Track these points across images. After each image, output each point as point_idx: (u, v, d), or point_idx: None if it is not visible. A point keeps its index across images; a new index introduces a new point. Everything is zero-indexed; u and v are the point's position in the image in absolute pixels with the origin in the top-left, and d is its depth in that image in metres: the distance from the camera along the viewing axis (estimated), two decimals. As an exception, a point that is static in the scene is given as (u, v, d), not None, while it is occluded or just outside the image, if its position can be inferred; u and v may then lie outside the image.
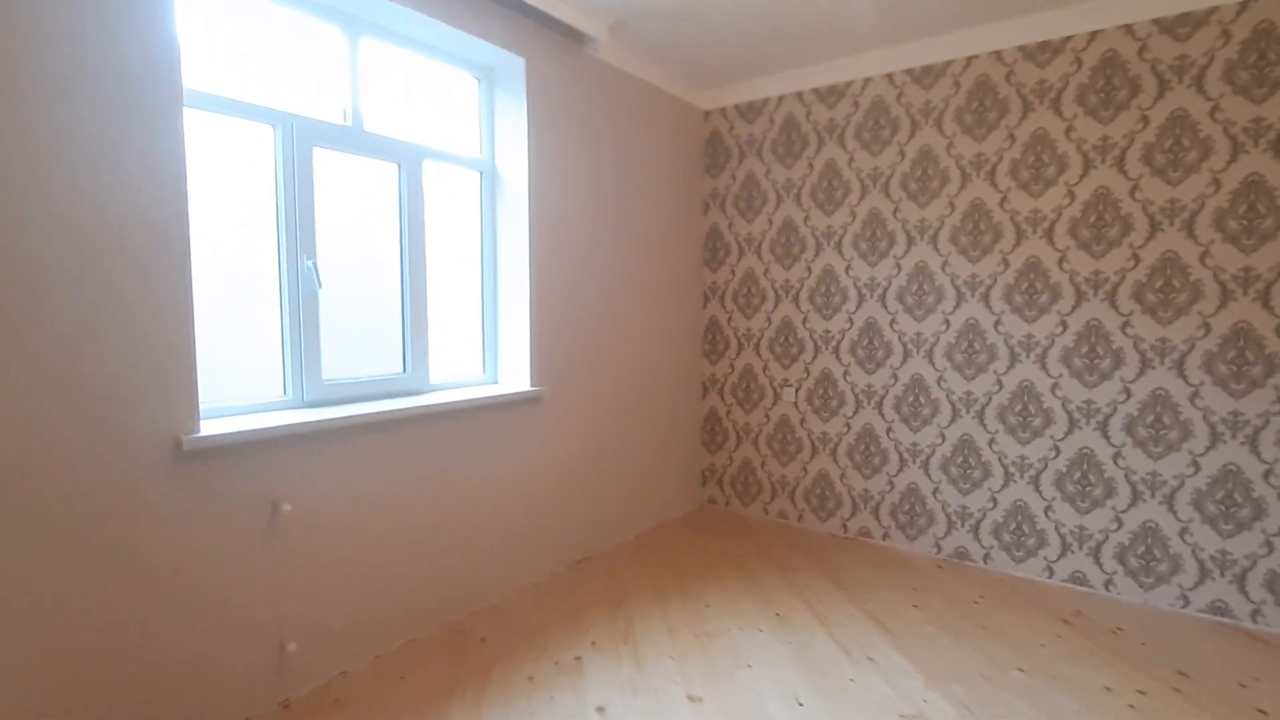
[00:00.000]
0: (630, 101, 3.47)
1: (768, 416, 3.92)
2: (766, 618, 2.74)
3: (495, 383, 3.06)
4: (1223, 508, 2.64)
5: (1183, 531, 2.72)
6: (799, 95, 3.64)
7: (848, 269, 3.55)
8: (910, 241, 3.33)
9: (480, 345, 3.03)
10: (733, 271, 4.00)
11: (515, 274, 2.96)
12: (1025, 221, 3.00)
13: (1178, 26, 2.60)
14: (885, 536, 3.53)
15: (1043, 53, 2.91)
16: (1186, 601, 2.74)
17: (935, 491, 3.35)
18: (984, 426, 3.18)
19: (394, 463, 2.40)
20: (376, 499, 2.35)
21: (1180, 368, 2.69)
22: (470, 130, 2.95)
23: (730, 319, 4.04)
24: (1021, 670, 2.34)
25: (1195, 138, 2.61)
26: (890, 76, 3.33)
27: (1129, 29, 2.71)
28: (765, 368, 3.91)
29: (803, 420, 3.78)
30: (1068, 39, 2.85)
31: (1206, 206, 2.60)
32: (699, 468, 4.23)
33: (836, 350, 3.62)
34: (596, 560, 3.33)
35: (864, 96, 3.42)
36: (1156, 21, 2.64)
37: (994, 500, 3.18)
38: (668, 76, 3.66)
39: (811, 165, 3.63)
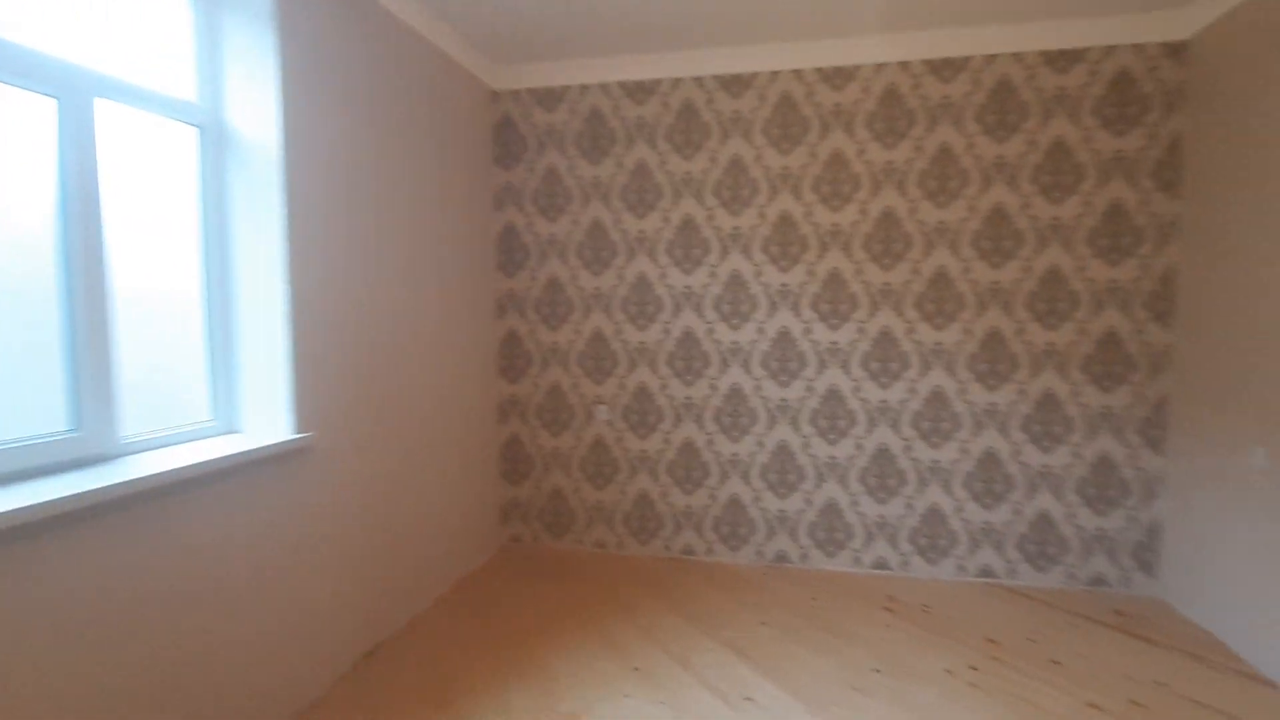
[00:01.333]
0: (416, 66, 2.79)
1: (579, 438, 3.56)
2: (626, 676, 2.37)
3: (235, 431, 2.13)
4: (984, 485, 3.11)
5: (958, 510, 3.14)
6: (604, 87, 3.37)
7: (663, 277, 3.38)
8: (725, 250, 3.30)
9: (206, 378, 2.08)
10: (534, 278, 3.55)
11: (262, 276, 2.09)
12: (827, 235, 3.18)
13: (944, 69, 3.00)
14: (709, 551, 3.45)
15: (838, 77, 3.11)
16: (964, 570, 3.17)
17: (756, 500, 3.37)
18: (798, 432, 3.29)
19: (51, 591, 1.44)
20: (28, 655, 1.37)
21: (951, 368, 3.10)
22: (183, 66, 2.00)
23: (533, 332, 3.57)
24: (878, 671, 2.39)
25: (957, 169, 3.02)
26: (700, 80, 3.26)
27: (905, 66, 3.03)
28: (575, 385, 3.54)
29: (619, 439, 3.51)
30: (858, 67, 3.09)
31: (965, 229, 3.04)
32: (499, 503, 3.67)
33: (653, 363, 3.43)
34: (394, 646, 2.58)
35: (674, 97, 3.30)
36: (944, 62, 3.01)
37: (809, 502, 3.31)
38: (457, 43, 3.06)
39: (621, 164, 3.38)
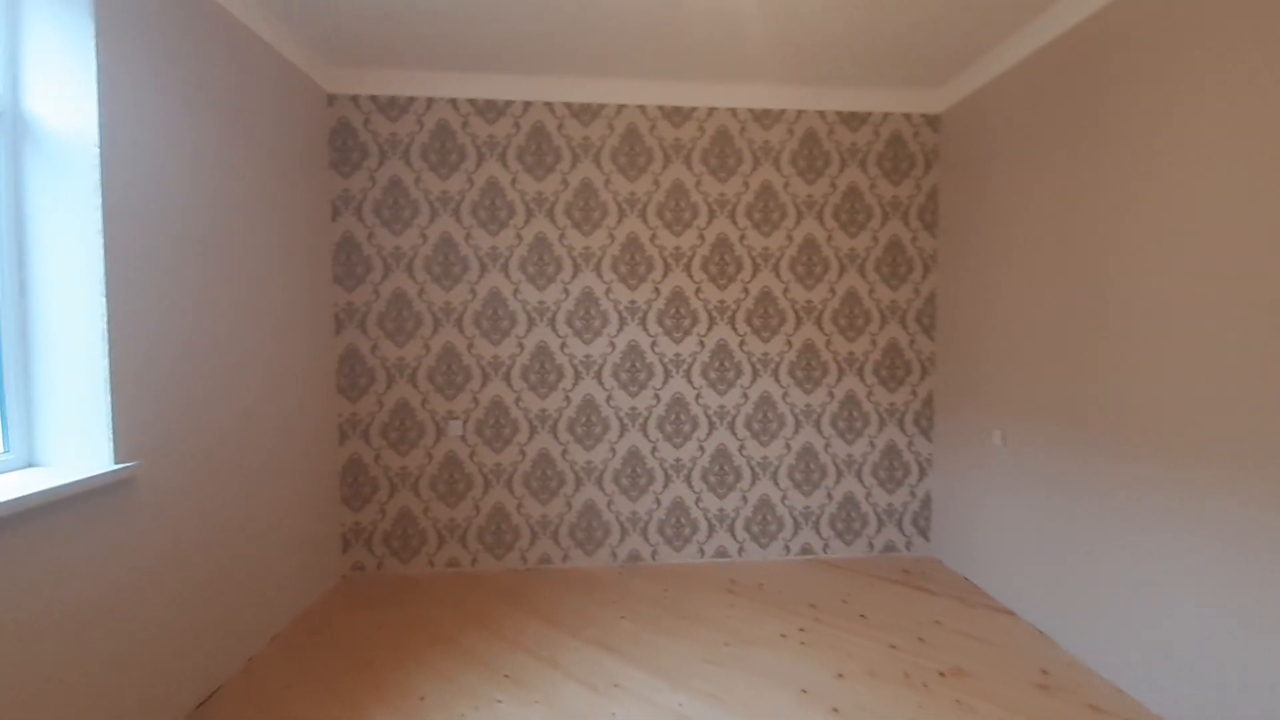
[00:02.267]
0: (250, 62, 2.59)
1: (430, 456, 3.48)
2: (497, 684, 2.41)
3: (37, 465, 1.83)
4: (804, 475, 3.61)
5: (783, 498, 3.61)
6: (453, 102, 3.37)
7: (516, 292, 3.45)
8: (576, 268, 3.46)
9: None
10: (376, 291, 3.41)
11: (74, 285, 1.84)
12: (670, 256, 3.49)
13: (764, 118, 3.47)
14: (566, 558, 3.56)
15: (677, 115, 3.45)
16: (789, 550, 3.64)
17: (610, 504, 3.55)
18: (647, 437, 3.54)
19: None
20: None
21: (776, 375, 3.56)
22: (-34, 33, 1.70)
23: (375, 347, 3.42)
24: (727, 644, 2.69)
25: (777, 203, 3.51)
26: (551, 105, 3.40)
27: (734, 112, 3.46)
28: (425, 401, 3.46)
29: (473, 454, 3.49)
30: (694, 108, 3.45)
31: (785, 255, 3.53)
32: (339, 530, 3.44)
33: (508, 376, 3.47)
34: (232, 690, 2.34)
35: (525, 119, 3.40)
36: (764, 112, 3.46)
37: (658, 501, 3.57)
38: (291, 41, 2.88)
39: (471, 180, 3.40)
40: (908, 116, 3.55)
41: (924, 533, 3.70)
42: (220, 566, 2.39)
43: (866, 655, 2.59)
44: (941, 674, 2.46)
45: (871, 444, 3.63)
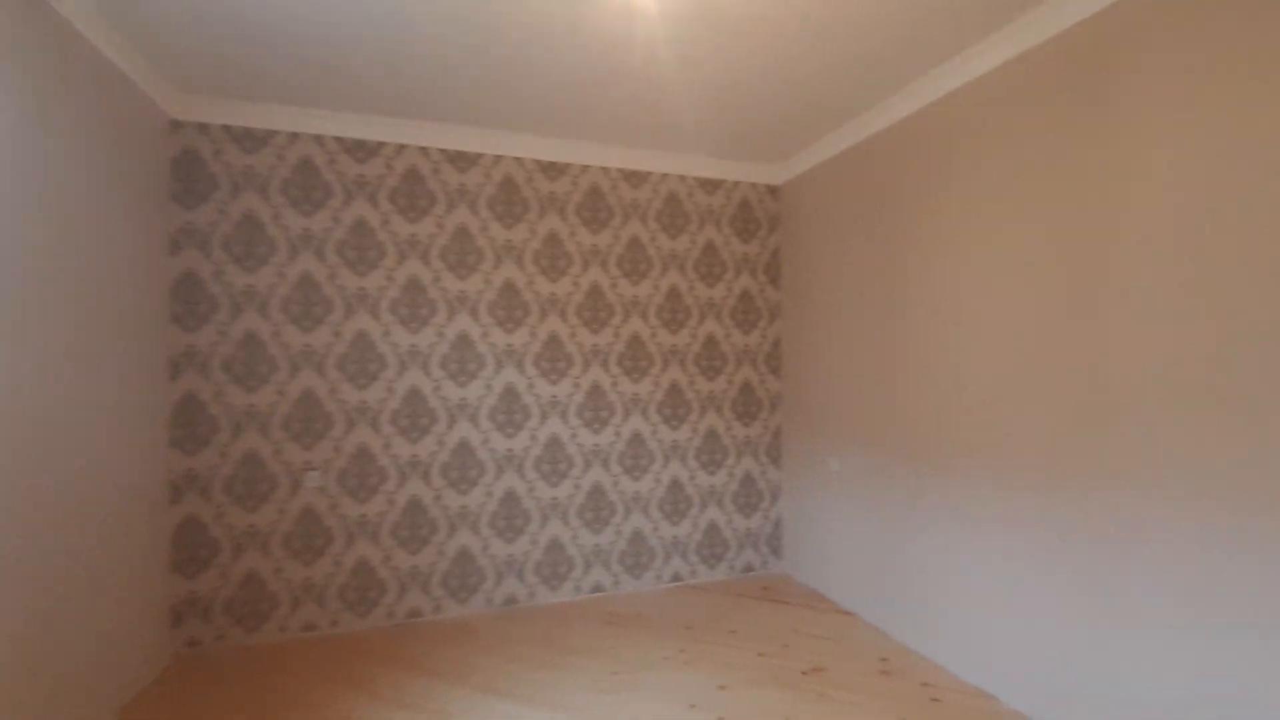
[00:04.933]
0: (90, 81, 2.34)
1: (283, 511, 3.21)
2: (383, 749, 2.30)
3: None
4: (672, 506, 3.87)
5: (654, 530, 3.82)
6: (319, 139, 3.26)
7: (386, 334, 3.36)
8: (452, 311, 3.46)
9: None
10: (223, 332, 3.13)
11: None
12: (546, 302, 3.62)
13: (632, 178, 3.78)
14: (438, 609, 3.43)
15: (552, 170, 3.64)
16: (660, 579, 3.84)
17: (485, 548, 3.51)
18: (523, 478, 3.58)
19: None
20: None
21: (646, 414, 3.81)
22: None
23: (220, 393, 3.12)
24: (615, 673, 2.80)
25: (644, 256, 3.82)
26: (425, 151, 3.42)
27: (605, 170, 3.73)
28: (278, 451, 3.20)
29: (334, 506, 3.28)
30: (568, 164, 3.67)
31: (651, 303, 3.83)
32: (169, 602, 3.03)
33: (375, 422, 3.34)
34: (53, 810, 1.97)
35: (398, 161, 3.38)
36: (632, 172, 3.76)
37: (535, 542, 3.60)
38: (132, 59, 2.64)
39: (338, 219, 3.29)
40: (754, 186, 4.08)
41: (777, 552, 4.12)
42: (20, 661, 2.02)
43: (741, 665, 2.85)
44: (804, 673, 2.78)
45: (731, 474, 4.00)
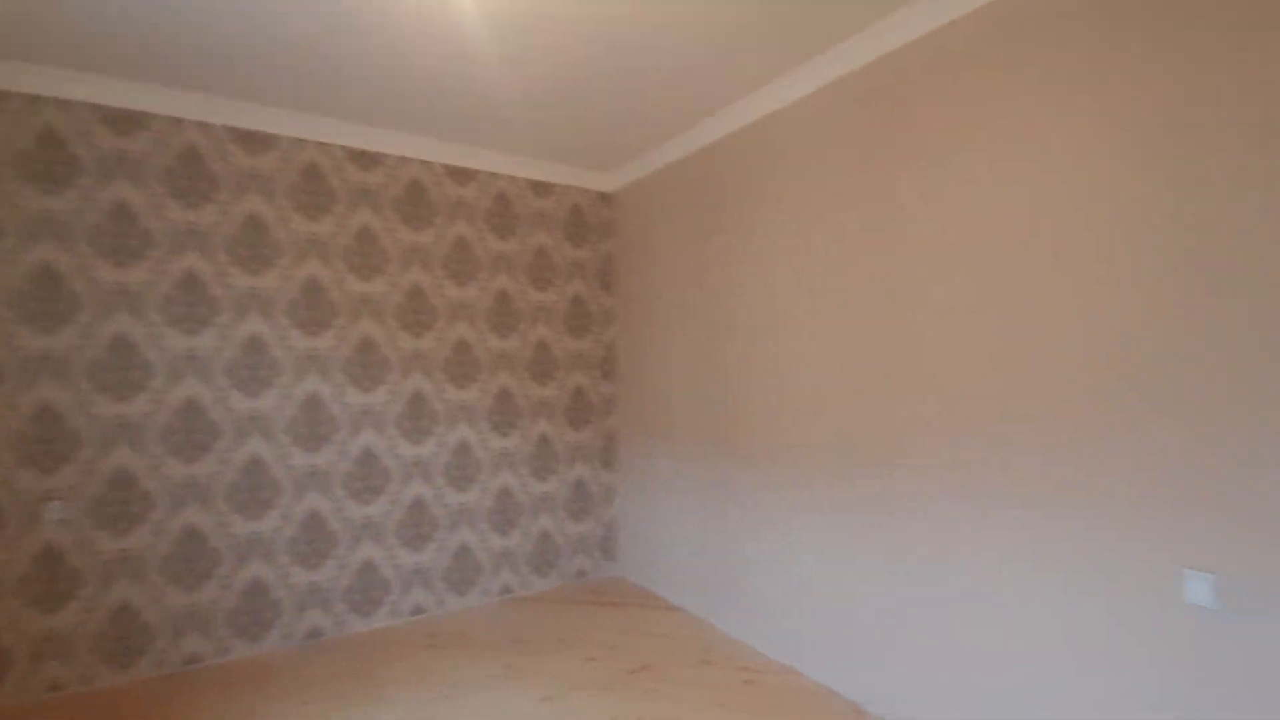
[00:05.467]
0: None
1: (14, 550, 2.61)
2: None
3: None
4: (502, 517, 3.72)
5: (482, 542, 3.65)
6: (66, 105, 2.72)
7: (157, 338, 2.87)
8: (241, 309, 3.05)
9: None
10: (-83, 332, 2.49)
11: None
12: (358, 302, 3.33)
13: (459, 175, 3.60)
14: (224, 652, 2.99)
15: (363, 159, 3.36)
16: (488, 593, 3.67)
17: (283, 578, 3.12)
18: (330, 498, 3.24)
19: None
20: None
21: (473, 422, 3.63)
22: None
23: (-88, 409, 2.47)
24: (434, 699, 2.61)
25: (471, 256, 3.65)
26: (208, 127, 2.99)
27: (428, 165, 3.52)
28: (8, 479, 2.60)
29: (84, 543, 2.73)
30: (385, 155, 3.40)
31: (480, 306, 3.67)
32: None
33: (138, 440, 2.84)
34: None
35: (176, 139, 2.92)
36: (460, 170, 3.57)
37: (343, 566, 3.27)
38: None
39: (91, 199, 2.76)
40: (585, 191, 4.09)
41: (611, 555, 4.13)
42: None
43: (568, 673, 2.79)
44: (630, 672, 2.79)
45: (562, 480, 3.95)
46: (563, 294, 3.98)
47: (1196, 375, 1.60)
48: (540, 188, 3.91)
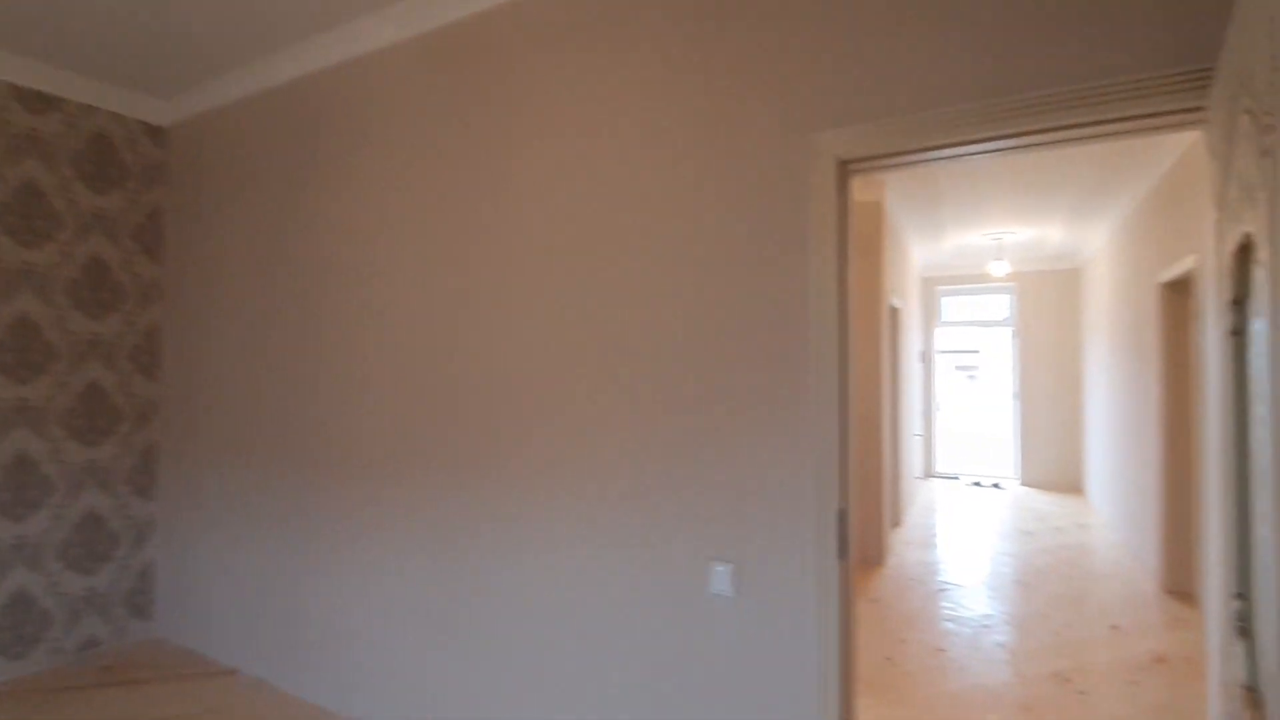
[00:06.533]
0: None
1: None
2: None
3: None
4: (85, 550, 2.46)
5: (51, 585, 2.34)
6: None
7: None
8: None
9: None
10: None
11: None
12: None
13: (24, 99, 2.23)
14: None
15: None
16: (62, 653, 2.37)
17: None
18: None
19: None
20: None
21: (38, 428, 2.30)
22: None
23: None
24: None
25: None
26: None
27: None
28: None
29: None
30: None
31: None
32: None
33: None
34: None
35: None
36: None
37: None
38: None
39: None
40: (120, 119, 3.00)
41: (143, 612, 3.07)
42: None
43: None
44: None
45: (58, 517, 2.79)
46: (69, 254, 2.82)
47: (720, 396, 1.70)
48: (37, 100, 2.73)
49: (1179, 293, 3.92)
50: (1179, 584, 3.95)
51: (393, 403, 2.32)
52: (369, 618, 2.35)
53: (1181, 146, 3.53)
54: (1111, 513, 5.66)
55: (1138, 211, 4.66)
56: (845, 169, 1.62)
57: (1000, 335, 8.54)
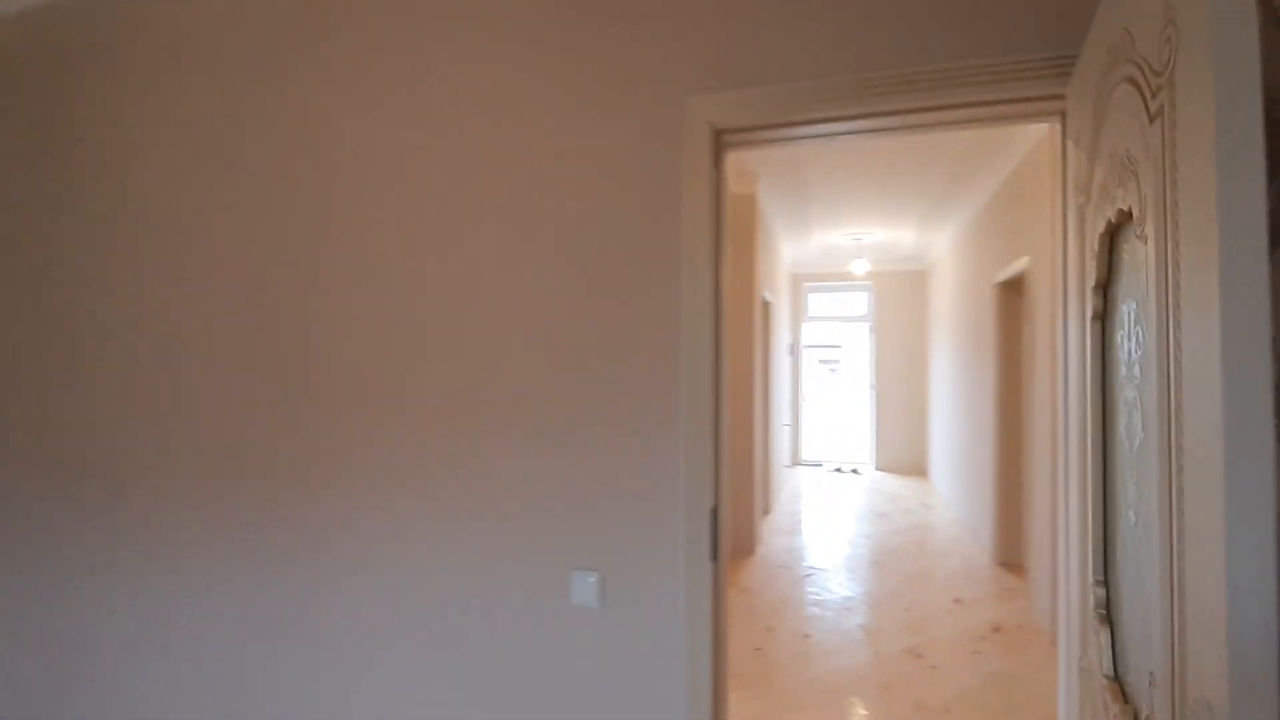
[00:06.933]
0: None
1: None
2: None
3: None
4: None
5: None
6: None
7: None
8: None
9: None
10: None
11: None
12: None
13: None
14: None
15: None
16: None
17: None
18: None
19: None
20: None
21: None
22: None
23: None
24: None
25: None
26: None
27: None
28: None
29: None
30: None
31: None
32: None
33: None
34: None
35: None
36: None
37: None
38: None
39: None
40: None
41: None
42: None
43: None
44: None
45: None
46: None
47: (582, 390, 1.52)
48: None
49: (1013, 291, 4.30)
50: (1010, 557, 4.35)
51: (214, 409, 1.90)
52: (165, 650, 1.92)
53: (1018, 156, 3.85)
54: (950, 492, 6.21)
55: (977, 218, 5.09)
56: (721, 140, 1.49)
57: (859, 330, 9.14)
